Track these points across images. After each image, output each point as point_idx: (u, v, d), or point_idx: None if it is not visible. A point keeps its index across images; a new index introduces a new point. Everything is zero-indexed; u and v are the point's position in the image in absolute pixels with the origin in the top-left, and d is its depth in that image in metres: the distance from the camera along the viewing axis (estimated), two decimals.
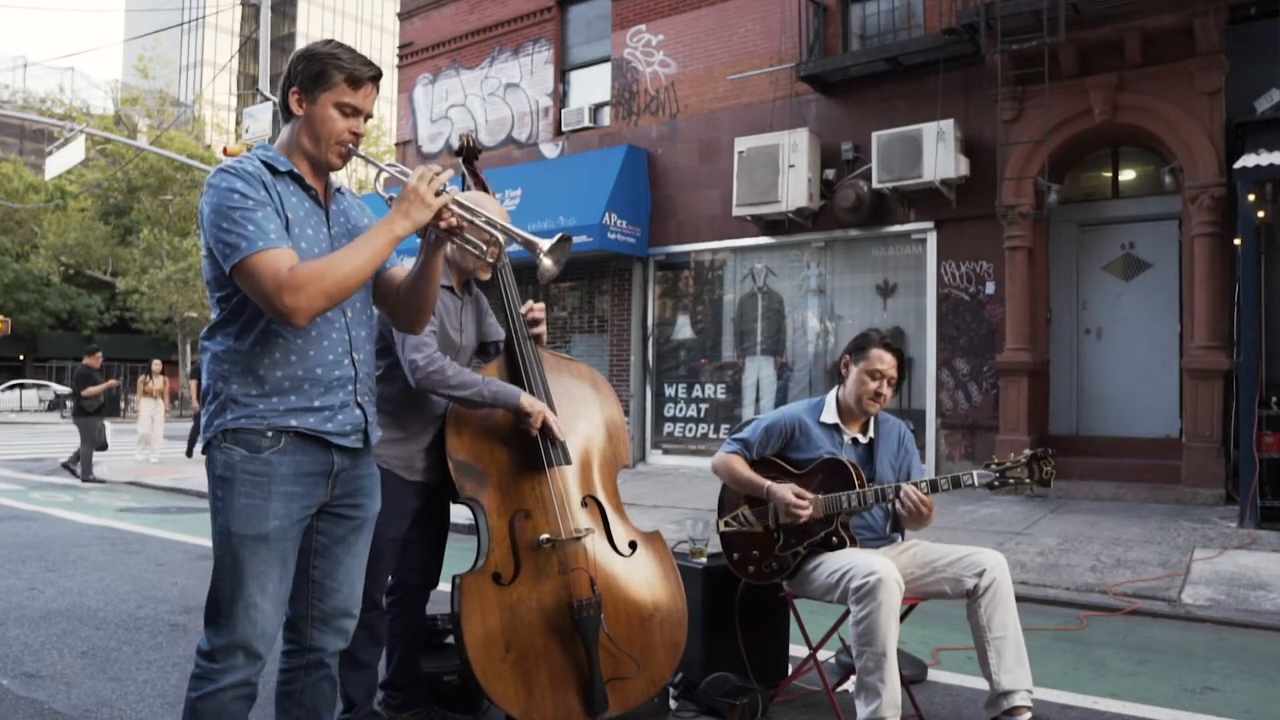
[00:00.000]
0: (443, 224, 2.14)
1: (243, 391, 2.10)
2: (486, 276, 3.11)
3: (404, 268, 2.36)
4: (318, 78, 2.13)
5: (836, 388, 3.44)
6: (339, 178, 2.35)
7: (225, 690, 2.07)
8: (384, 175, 2.27)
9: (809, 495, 3.17)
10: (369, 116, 2.21)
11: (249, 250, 1.99)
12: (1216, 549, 6.21)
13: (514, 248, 2.32)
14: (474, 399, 2.87)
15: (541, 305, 3.14)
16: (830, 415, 3.37)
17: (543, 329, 3.14)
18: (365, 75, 2.15)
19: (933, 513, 3.11)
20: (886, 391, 3.31)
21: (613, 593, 2.93)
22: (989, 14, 8.62)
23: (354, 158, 2.24)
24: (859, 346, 3.38)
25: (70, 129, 18.24)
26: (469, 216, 2.18)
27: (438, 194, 2.10)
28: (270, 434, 2.10)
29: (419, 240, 2.26)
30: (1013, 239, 9.26)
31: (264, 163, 2.13)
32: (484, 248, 2.30)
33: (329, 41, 2.19)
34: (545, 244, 2.21)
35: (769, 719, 3.27)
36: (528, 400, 2.89)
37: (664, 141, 11.90)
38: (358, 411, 2.22)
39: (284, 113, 2.20)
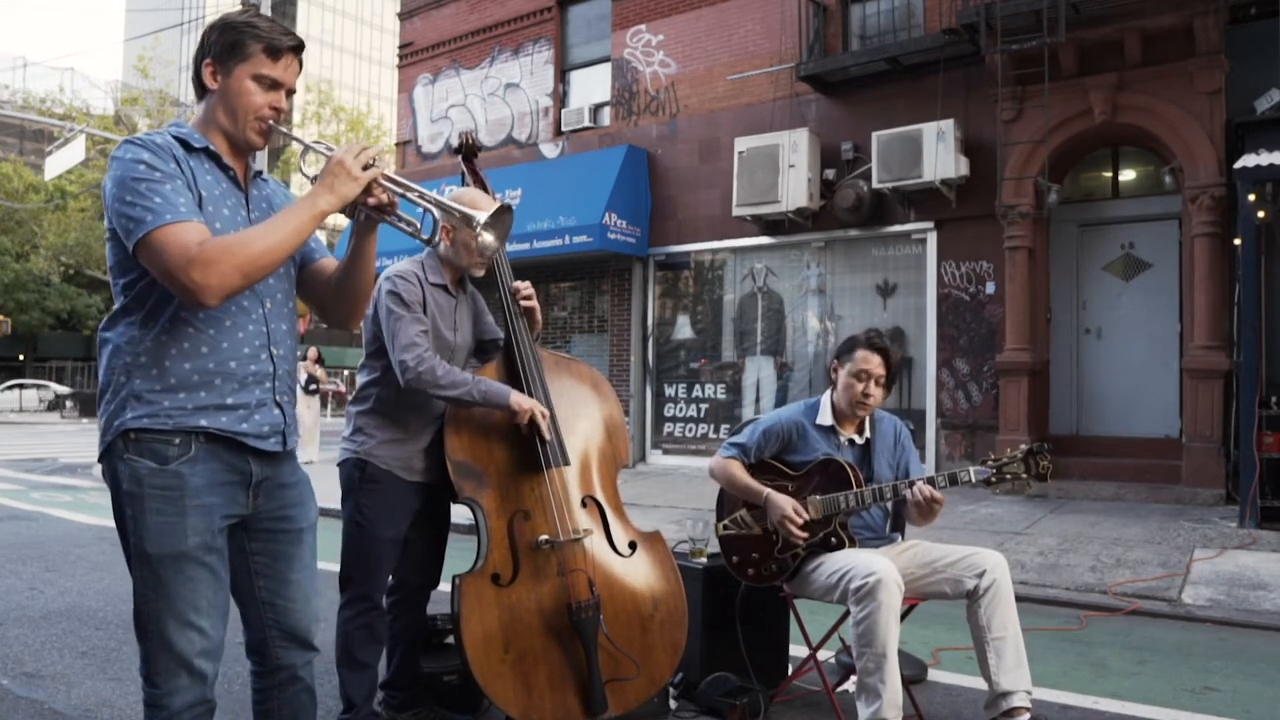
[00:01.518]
0: (371, 200, 1.96)
1: (146, 387, 1.90)
2: (481, 273, 3.09)
3: (335, 260, 2.18)
4: (233, 48, 1.96)
5: (829, 390, 3.43)
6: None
7: (180, 714, 1.93)
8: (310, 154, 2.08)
9: (805, 514, 3.15)
10: (292, 92, 2.05)
11: (155, 224, 1.80)
12: (1216, 549, 6.21)
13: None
14: (464, 399, 2.86)
15: (528, 284, 3.10)
16: (826, 418, 3.36)
17: (534, 304, 3.08)
18: (285, 45, 1.98)
19: (940, 507, 3.11)
20: (876, 392, 3.29)
21: (612, 593, 2.93)
22: (989, 14, 8.62)
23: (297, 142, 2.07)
24: (845, 350, 3.37)
25: (70, 129, 18.25)
26: (400, 191, 2.00)
27: (366, 168, 1.92)
28: (179, 440, 1.90)
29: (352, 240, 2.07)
30: (1013, 239, 9.26)
31: (177, 138, 1.96)
32: (418, 226, 2.11)
33: (246, 10, 2.06)
34: (481, 216, 2.05)
35: (769, 719, 3.27)
36: (516, 399, 2.87)
37: (664, 141, 11.90)
38: (276, 411, 2.03)
39: (197, 88, 2.02)
